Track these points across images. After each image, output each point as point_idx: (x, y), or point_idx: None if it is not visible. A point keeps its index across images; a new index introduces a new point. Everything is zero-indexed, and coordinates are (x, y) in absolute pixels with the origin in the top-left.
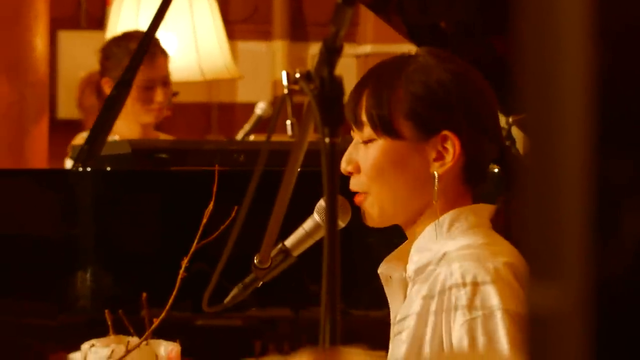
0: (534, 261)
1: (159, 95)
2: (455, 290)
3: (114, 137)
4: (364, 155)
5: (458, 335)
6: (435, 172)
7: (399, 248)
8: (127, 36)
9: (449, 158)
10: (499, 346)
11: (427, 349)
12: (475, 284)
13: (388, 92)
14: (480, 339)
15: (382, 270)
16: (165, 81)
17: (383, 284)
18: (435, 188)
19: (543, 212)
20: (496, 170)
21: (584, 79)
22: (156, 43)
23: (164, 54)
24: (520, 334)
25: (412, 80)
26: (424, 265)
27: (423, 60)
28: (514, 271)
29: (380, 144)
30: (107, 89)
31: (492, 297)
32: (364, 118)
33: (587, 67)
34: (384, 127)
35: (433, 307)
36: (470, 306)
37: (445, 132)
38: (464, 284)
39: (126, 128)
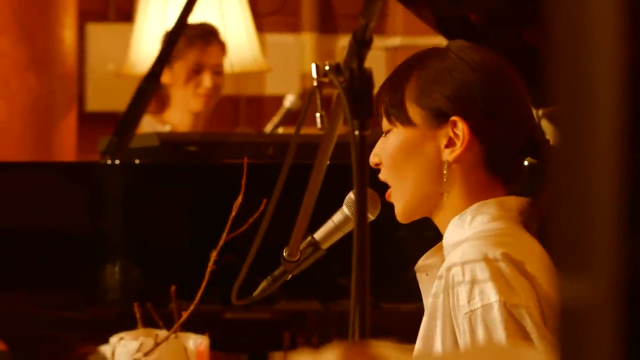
0: (565, 254)
1: (207, 81)
2: (457, 286)
3: (165, 126)
4: (384, 146)
5: (461, 328)
6: (447, 160)
7: (438, 244)
8: (187, 26)
9: (459, 144)
10: (497, 339)
11: (438, 348)
12: (474, 276)
13: (402, 80)
14: (480, 332)
15: (419, 265)
16: (216, 70)
17: (418, 278)
18: (444, 174)
19: (574, 205)
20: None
21: (616, 70)
22: (214, 32)
23: (219, 44)
24: (518, 326)
25: (425, 67)
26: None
27: (451, 52)
28: (513, 262)
29: (395, 133)
30: (162, 75)
31: (490, 289)
32: (381, 109)
33: (619, 59)
34: (396, 114)
35: (439, 304)
36: (470, 298)
37: (455, 118)
38: (464, 276)
39: (177, 118)
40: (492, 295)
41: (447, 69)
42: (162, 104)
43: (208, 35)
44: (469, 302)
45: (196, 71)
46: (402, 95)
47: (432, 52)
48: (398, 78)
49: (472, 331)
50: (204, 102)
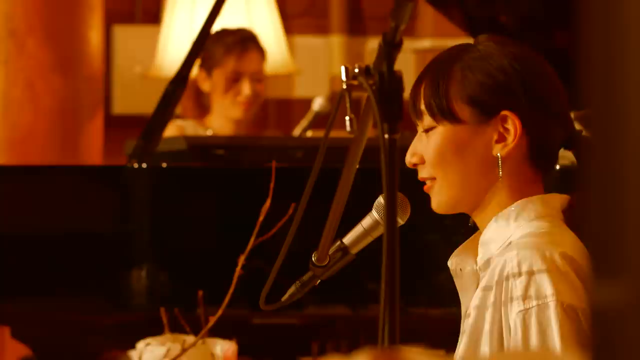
0: (598, 256)
1: (246, 89)
2: (512, 279)
3: (207, 131)
4: (426, 144)
5: (513, 325)
6: (499, 154)
7: (469, 240)
8: (224, 32)
9: (511, 138)
10: (550, 340)
11: (485, 342)
12: (531, 273)
13: (445, 77)
14: (533, 331)
15: (451, 263)
16: (256, 77)
17: (453, 277)
18: (500, 169)
19: (607, 207)
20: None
21: None
22: (252, 38)
23: (258, 50)
24: (572, 327)
25: (469, 63)
26: (491, 257)
27: (481, 46)
28: (571, 262)
29: (440, 130)
30: (202, 83)
31: (547, 287)
32: (422, 107)
33: None
34: (442, 112)
35: (491, 298)
36: (525, 296)
37: (505, 112)
38: (520, 273)
39: (219, 124)
40: (548, 293)
41: (490, 64)
42: (204, 109)
43: (245, 41)
44: (524, 299)
45: (234, 79)
46: (447, 93)
47: (469, 48)
48: (439, 76)
49: (525, 330)
50: (244, 110)
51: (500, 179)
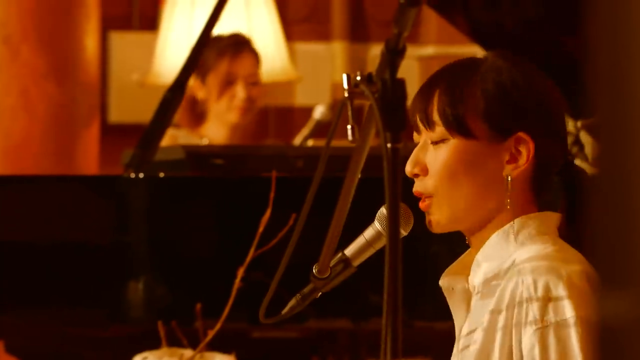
0: (606, 270)
1: (240, 92)
2: (526, 304)
3: (202, 140)
4: (434, 156)
5: (529, 343)
6: (509, 176)
7: (459, 259)
8: (216, 38)
9: (522, 161)
10: (571, 354)
11: None
12: (548, 295)
13: (463, 90)
14: (552, 347)
15: (443, 282)
16: (250, 81)
17: (445, 296)
18: (508, 192)
19: (614, 219)
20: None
21: None
22: (246, 41)
23: (252, 53)
24: (593, 342)
25: (487, 79)
26: (493, 276)
27: (494, 61)
28: (588, 278)
29: (452, 144)
30: (197, 91)
31: (566, 306)
32: (435, 117)
33: None
34: (459, 126)
35: (501, 322)
36: (543, 315)
37: (521, 134)
38: (537, 297)
39: (214, 132)
40: (567, 311)
41: (509, 82)
42: (199, 118)
43: (238, 45)
44: (542, 318)
45: (228, 83)
46: (465, 108)
47: (486, 63)
48: (457, 85)
49: (544, 348)
50: (240, 114)
51: (507, 201)
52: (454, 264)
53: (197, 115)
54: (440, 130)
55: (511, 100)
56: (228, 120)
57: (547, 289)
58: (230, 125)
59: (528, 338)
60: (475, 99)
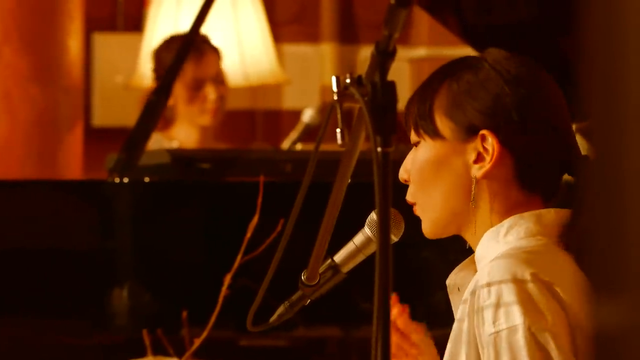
0: (600, 276)
1: (211, 93)
2: (482, 311)
3: (172, 142)
4: (413, 159)
5: (486, 349)
6: (475, 176)
7: (469, 258)
8: (173, 39)
9: (488, 159)
10: None
11: (462, 353)
12: (499, 301)
13: (432, 91)
14: (504, 353)
15: (450, 279)
16: (217, 79)
17: (449, 293)
18: (472, 191)
19: (609, 225)
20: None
21: None
22: (204, 40)
23: (213, 51)
24: (541, 354)
25: (457, 79)
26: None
27: (478, 60)
28: (541, 282)
29: (422, 146)
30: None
31: (516, 312)
32: (410, 121)
33: None
34: (424, 126)
35: (464, 329)
36: (494, 321)
37: (484, 132)
38: (490, 303)
39: (184, 134)
40: (517, 317)
41: (479, 81)
42: (167, 121)
43: (198, 46)
44: (494, 323)
45: (197, 87)
46: (432, 106)
47: (466, 62)
48: (428, 88)
49: (497, 354)
50: (213, 116)
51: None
52: (463, 262)
53: (166, 119)
54: (413, 132)
55: (476, 97)
56: (200, 123)
57: (498, 295)
58: (202, 127)
59: (485, 345)
60: (441, 97)
